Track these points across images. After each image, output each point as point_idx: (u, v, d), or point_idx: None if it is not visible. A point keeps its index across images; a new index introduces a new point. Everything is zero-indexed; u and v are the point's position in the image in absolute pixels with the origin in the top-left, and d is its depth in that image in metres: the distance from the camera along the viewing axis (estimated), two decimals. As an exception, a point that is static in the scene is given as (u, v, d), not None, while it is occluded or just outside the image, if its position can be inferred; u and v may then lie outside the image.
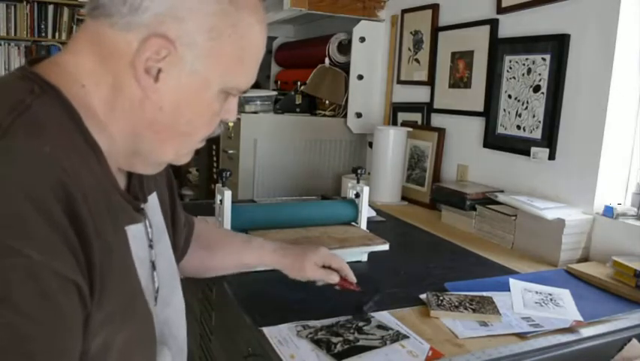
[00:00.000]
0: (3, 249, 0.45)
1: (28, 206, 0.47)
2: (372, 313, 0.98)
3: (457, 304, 1.03)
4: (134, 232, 0.64)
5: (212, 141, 2.71)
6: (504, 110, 1.70)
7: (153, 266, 0.69)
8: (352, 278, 1.03)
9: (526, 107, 1.61)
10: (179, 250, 0.90)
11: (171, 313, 0.74)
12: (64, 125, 0.55)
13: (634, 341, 0.99)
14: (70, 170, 0.51)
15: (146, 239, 0.68)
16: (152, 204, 0.74)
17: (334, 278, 1.01)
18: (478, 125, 1.82)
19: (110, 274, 0.55)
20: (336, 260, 1.03)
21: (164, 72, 0.58)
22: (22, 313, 0.45)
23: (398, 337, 0.89)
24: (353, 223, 1.36)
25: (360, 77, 2.33)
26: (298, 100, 2.40)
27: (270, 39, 3.18)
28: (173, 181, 0.86)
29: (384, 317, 0.97)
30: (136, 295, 0.62)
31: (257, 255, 1.02)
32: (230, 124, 2.29)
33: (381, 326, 0.93)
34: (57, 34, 3.85)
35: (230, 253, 1.02)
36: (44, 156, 0.50)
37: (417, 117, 2.14)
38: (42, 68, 0.59)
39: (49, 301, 0.46)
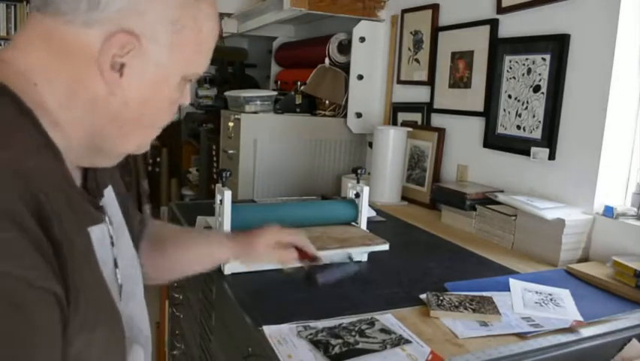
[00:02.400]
0: None
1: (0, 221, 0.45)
2: (377, 317, 0.98)
3: (457, 304, 1.03)
4: (97, 233, 0.61)
5: (213, 142, 2.71)
6: (504, 110, 1.70)
7: (115, 264, 0.67)
8: (311, 250, 1.00)
9: (526, 107, 1.61)
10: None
11: (135, 307, 0.73)
12: (20, 126, 0.53)
13: (634, 341, 0.99)
14: (33, 172, 0.50)
15: (108, 237, 0.66)
16: (109, 197, 0.72)
17: (290, 255, 0.99)
18: (478, 125, 1.82)
19: (80, 275, 0.53)
20: (287, 235, 1.01)
21: (128, 67, 0.58)
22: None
23: (400, 341, 0.89)
24: (353, 223, 1.36)
25: (360, 77, 2.33)
26: (298, 100, 2.40)
27: (270, 39, 3.19)
28: (129, 172, 0.85)
29: (387, 320, 0.97)
30: (105, 296, 0.60)
31: (210, 251, 1.01)
32: (231, 124, 2.29)
33: (384, 330, 0.93)
34: (57, 34, 3.85)
35: (194, 253, 1.00)
36: (6, 163, 0.48)
37: (417, 117, 2.14)
38: None
39: (25, 315, 0.45)
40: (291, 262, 1.00)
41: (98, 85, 0.58)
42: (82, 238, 0.57)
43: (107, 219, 0.66)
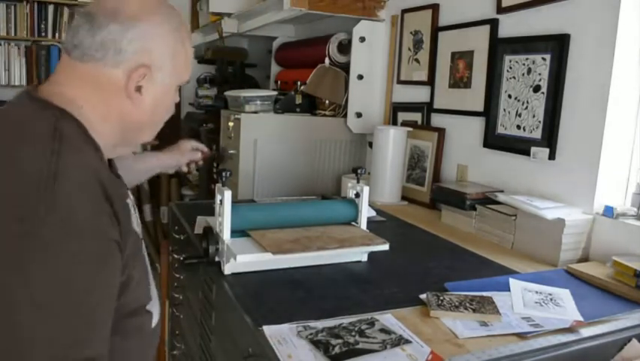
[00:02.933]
0: (65, 227, 0.69)
1: (89, 204, 0.72)
2: (377, 317, 0.98)
3: (457, 304, 1.03)
4: (131, 202, 0.87)
5: (213, 141, 2.71)
6: (504, 110, 1.70)
7: (137, 220, 0.93)
8: (203, 148, 1.59)
9: (526, 107, 1.61)
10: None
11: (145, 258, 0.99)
12: (83, 138, 0.78)
13: (634, 341, 0.99)
14: (100, 169, 0.77)
15: (133, 207, 0.90)
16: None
17: (198, 155, 1.56)
18: (478, 125, 1.82)
19: (126, 233, 0.79)
20: (197, 144, 1.58)
21: (145, 88, 0.85)
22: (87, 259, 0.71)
23: (400, 341, 0.89)
24: (353, 223, 1.36)
25: (360, 77, 2.33)
26: (298, 100, 2.40)
27: (270, 39, 3.18)
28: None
29: (387, 320, 0.97)
30: (137, 243, 0.86)
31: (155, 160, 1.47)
32: (231, 124, 2.29)
33: (384, 330, 0.93)
34: (57, 34, 3.85)
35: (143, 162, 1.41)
36: (85, 162, 0.75)
37: (417, 117, 2.14)
38: (47, 96, 0.80)
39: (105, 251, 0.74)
40: (198, 159, 1.57)
41: (124, 104, 0.84)
42: (125, 206, 0.82)
43: (129, 192, 0.92)
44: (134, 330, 0.87)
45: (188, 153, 1.54)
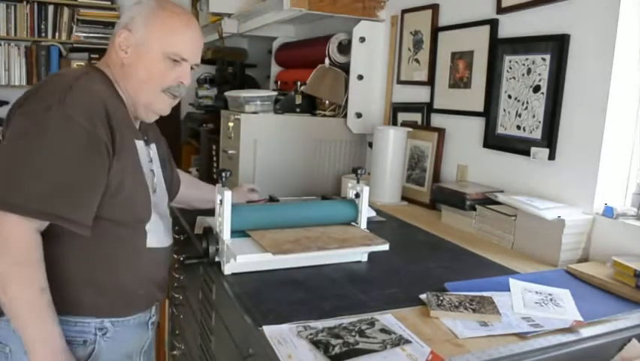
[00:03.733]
0: (69, 119, 1.00)
1: (89, 109, 1.03)
2: (377, 317, 0.98)
3: (457, 304, 1.03)
4: (140, 145, 1.17)
5: (213, 142, 2.71)
6: (504, 110, 1.70)
7: (153, 172, 1.21)
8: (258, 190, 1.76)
9: (526, 108, 1.61)
10: (173, 190, 1.42)
11: (162, 206, 1.25)
12: (104, 84, 1.13)
13: (634, 341, 0.99)
14: (107, 100, 1.08)
15: (147, 154, 1.20)
16: (153, 150, 1.26)
17: (256, 195, 1.72)
18: (478, 125, 1.82)
19: (122, 149, 1.08)
20: (250, 186, 1.77)
21: (130, 48, 1.14)
22: (73, 151, 1.01)
23: (400, 341, 0.89)
24: (353, 223, 1.36)
25: (360, 77, 2.33)
26: (298, 100, 2.40)
27: (270, 39, 3.18)
28: (169, 152, 1.40)
29: (387, 320, 0.97)
30: (136, 166, 1.14)
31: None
32: (231, 124, 2.29)
33: (384, 330, 0.93)
34: (57, 34, 3.85)
35: (207, 192, 1.54)
36: (95, 89, 1.08)
37: (417, 117, 2.14)
38: (98, 62, 1.20)
39: (91, 149, 1.03)
40: (255, 199, 1.70)
41: (122, 62, 1.15)
42: (129, 141, 1.12)
43: (147, 144, 1.23)
44: (123, 239, 1.12)
45: (245, 194, 1.69)
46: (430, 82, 2.05)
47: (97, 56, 3.73)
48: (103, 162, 1.03)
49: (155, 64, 1.13)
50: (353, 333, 0.90)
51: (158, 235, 1.18)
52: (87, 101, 1.03)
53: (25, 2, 3.75)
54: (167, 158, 1.36)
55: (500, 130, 1.71)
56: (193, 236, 1.44)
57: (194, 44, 1.17)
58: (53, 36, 3.84)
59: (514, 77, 1.66)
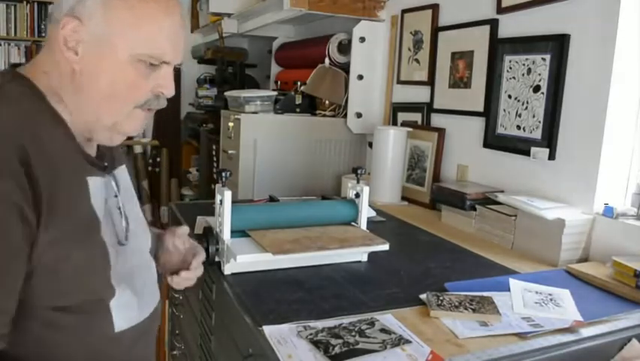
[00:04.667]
0: None
1: None
2: (377, 317, 0.98)
3: (457, 304, 1.03)
4: (96, 183, 0.81)
5: (213, 142, 2.71)
6: (504, 110, 1.70)
7: (120, 211, 0.87)
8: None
9: (526, 107, 1.61)
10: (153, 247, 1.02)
11: (141, 261, 0.91)
12: (31, 102, 0.76)
13: (634, 341, 0.99)
14: (28, 132, 0.72)
15: (112, 190, 0.86)
16: (121, 173, 0.93)
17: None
18: (478, 125, 1.82)
19: (57, 206, 0.72)
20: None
21: (81, 45, 0.76)
22: None
23: (400, 341, 0.89)
24: (353, 223, 1.36)
25: (360, 77, 2.33)
26: (298, 100, 2.40)
27: (270, 39, 3.18)
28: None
29: (387, 320, 0.97)
30: (90, 226, 0.78)
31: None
32: (231, 124, 2.29)
33: (384, 330, 0.93)
34: (57, 34, 3.85)
35: None
36: (4, 120, 0.71)
37: (417, 117, 2.14)
38: (24, 66, 0.82)
39: None
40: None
41: (66, 65, 0.77)
42: (76, 182, 0.78)
43: (111, 178, 0.86)
44: (76, 331, 0.77)
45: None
46: (430, 82, 2.05)
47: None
48: (17, 237, 0.68)
49: (122, 71, 0.77)
50: (353, 333, 0.90)
51: (129, 309, 0.83)
52: None
53: (25, 2, 3.75)
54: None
55: (500, 130, 1.71)
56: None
57: (177, 38, 0.80)
58: (53, 36, 3.84)
59: (514, 77, 1.66)
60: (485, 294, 1.08)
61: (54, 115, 0.77)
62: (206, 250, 1.20)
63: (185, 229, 1.10)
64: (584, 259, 1.39)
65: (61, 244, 0.73)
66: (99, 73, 0.77)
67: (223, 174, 1.18)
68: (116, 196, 0.86)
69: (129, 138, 1.06)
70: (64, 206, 0.73)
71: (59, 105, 0.78)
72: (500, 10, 1.71)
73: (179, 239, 1.08)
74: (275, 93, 2.40)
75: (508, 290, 1.13)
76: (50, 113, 0.77)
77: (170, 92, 0.82)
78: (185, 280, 1.04)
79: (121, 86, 0.78)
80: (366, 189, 1.33)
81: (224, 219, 1.18)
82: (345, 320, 0.95)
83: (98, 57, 0.76)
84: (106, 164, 0.86)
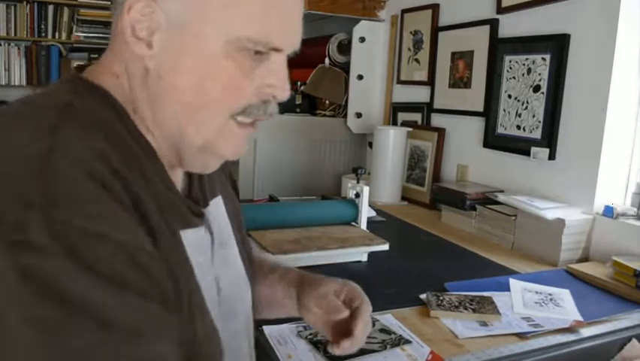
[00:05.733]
0: (93, 236, 0.42)
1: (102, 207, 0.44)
2: (377, 317, 0.98)
3: (457, 304, 1.03)
4: (190, 237, 0.57)
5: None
6: (504, 110, 1.70)
7: (214, 272, 0.63)
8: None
9: (526, 107, 1.61)
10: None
11: (237, 325, 0.67)
12: (112, 121, 0.52)
13: (634, 341, 0.99)
14: (122, 163, 0.49)
15: (206, 244, 0.62)
16: (216, 207, 0.67)
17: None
18: (478, 125, 1.82)
19: (170, 254, 0.53)
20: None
21: (156, 34, 0.52)
22: (136, 291, 0.43)
23: (400, 341, 0.89)
24: (353, 223, 1.36)
25: (360, 77, 2.33)
26: (298, 100, 2.40)
27: (270, 39, 3.18)
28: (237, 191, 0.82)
29: (387, 320, 0.97)
30: (192, 292, 0.55)
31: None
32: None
33: (384, 330, 0.93)
34: (57, 34, 3.85)
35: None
36: (96, 151, 0.47)
37: (417, 117, 2.14)
38: (91, 70, 0.58)
39: (149, 274, 0.45)
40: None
41: (136, 64, 0.54)
42: (171, 237, 0.54)
43: (206, 227, 0.62)
44: None
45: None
46: (430, 82, 2.05)
47: (97, 55, 3.72)
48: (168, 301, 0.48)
49: (214, 66, 0.53)
50: (353, 333, 0.90)
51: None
52: (86, 193, 0.44)
53: (25, 2, 3.75)
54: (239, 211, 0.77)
55: (500, 130, 1.71)
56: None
57: (289, 15, 0.59)
58: (53, 36, 3.84)
59: (514, 77, 1.66)
60: (485, 294, 1.08)
61: (137, 135, 0.54)
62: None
63: (326, 290, 0.74)
64: (584, 259, 1.39)
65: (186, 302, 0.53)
66: (182, 71, 0.53)
67: (223, 174, 1.18)
68: (212, 253, 0.63)
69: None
70: (173, 251, 0.54)
71: (139, 120, 0.55)
72: (500, 10, 1.71)
73: (322, 301, 0.73)
74: (275, 93, 2.40)
75: (508, 290, 1.13)
76: (132, 133, 0.54)
77: (285, 92, 0.59)
78: (349, 348, 0.70)
79: (213, 87, 0.53)
80: (366, 189, 1.33)
81: (224, 219, 1.17)
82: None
83: (179, 48, 0.52)
84: (202, 210, 0.62)
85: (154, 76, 0.54)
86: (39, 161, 0.43)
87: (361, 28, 2.29)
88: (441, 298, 1.05)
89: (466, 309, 1.01)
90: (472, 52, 1.84)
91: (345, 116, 2.37)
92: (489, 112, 1.75)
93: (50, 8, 3.84)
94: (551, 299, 1.09)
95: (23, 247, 0.39)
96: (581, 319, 1.00)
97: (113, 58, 0.56)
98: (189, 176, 0.63)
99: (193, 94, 0.54)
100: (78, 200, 0.43)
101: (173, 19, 0.52)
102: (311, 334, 0.89)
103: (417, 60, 2.14)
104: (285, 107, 2.38)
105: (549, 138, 1.52)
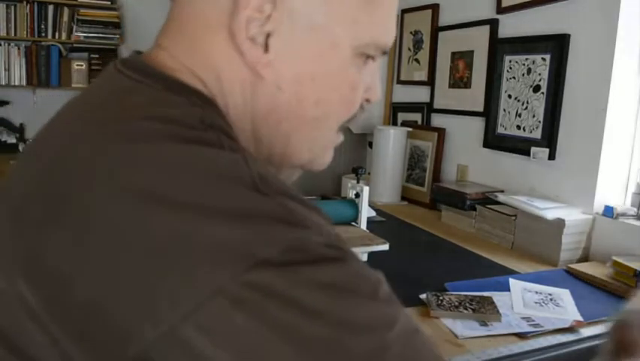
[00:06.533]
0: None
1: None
2: None
3: (457, 304, 1.03)
4: None
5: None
6: (504, 110, 1.70)
7: None
8: None
9: (526, 107, 1.61)
10: None
11: None
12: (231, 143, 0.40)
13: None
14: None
15: None
16: None
17: None
18: (478, 125, 1.82)
19: None
20: None
21: (275, 36, 0.42)
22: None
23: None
24: (353, 223, 1.36)
25: (360, 77, 2.33)
26: (298, 100, 2.40)
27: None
28: None
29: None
30: None
31: None
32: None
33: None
34: (57, 34, 3.85)
35: None
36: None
37: (417, 117, 2.14)
38: (161, 67, 0.44)
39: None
40: None
41: (239, 70, 0.43)
42: None
43: None
44: None
45: None
46: (430, 82, 2.05)
47: (97, 56, 3.73)
48: None
49: (343, 75, 0.46)
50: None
51: None
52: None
53: (25, 2, 3.75)
54: None
55: (500, 130, 1.71)
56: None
57: (394, 17, 0.51)
58: (53, 36, 3.84)
59: (514, 77, 1.66)
60: (485, 294, 1.08)
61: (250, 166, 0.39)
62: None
63: None
64: (584, 259, 1.39)
65: None
66: (308, 80, 0.45)
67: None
68: None
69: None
70: None
71: (242, 135, 0.45)
72: (500, 10, 1.71)
73: None
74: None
75: (508, 290, 1.13)
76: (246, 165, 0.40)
77: (379, 93, 0.52)
78: None
79: (335, 98, 0.47)
80: (366, 189, 1.33)
81: (225, 219, 1.17)
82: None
83: (306, 54, 0.44)
84: None
85: (270, 86, 0.44)
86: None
87: (361, 28, 2.28)
88: (441, 298, 1.05)
89: (466, 309, 1.01)
90: (472, 52, 1.84)
91: (345, 116, 2.37)
92: (489, 112, 1.75)
93: (50, 8, 3.84)
94: (551, 299, 1.09)
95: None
96: (581, 319, 1.00)
97: (192, 60, 0.44)
98: None
99: (318, 107, 0.46)
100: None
101: (299, 19, 0.43)
102: None
103: (417, 60, 2.14)
104: (285, 107, 2.38)
105: (549, 138, 1.52)
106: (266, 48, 0.43)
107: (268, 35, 0.42)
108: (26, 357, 0.35)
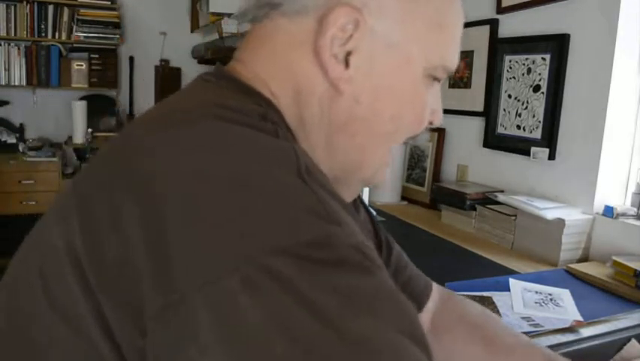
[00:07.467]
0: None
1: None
2: None
3: (457, 304, 1.02)
4: None
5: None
6: (504, 110, 1.70)
7: None
8: None
9: (526, 107, 1.61)
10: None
11: None
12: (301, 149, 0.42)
13: (633, 341, 0.99)
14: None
15: None
16: None
17: None
18: (478, 125, 1.82)
19: None
20: None
21: (355, 54, 0.45)
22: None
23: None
24: (353, 223, 1.36)
25: (360, 77, 2.33)
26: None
27: (270, 39, 3.18)
28: (372, 215, 0.74)
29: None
30: None
31: None
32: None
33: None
34: (57, 34, 3.85)
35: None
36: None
37: (417, 117, 2.14)
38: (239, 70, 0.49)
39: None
40: None
41: (319, 85, 0.46)
42: None
43: None
44: None
45: None
46: (430, 82, 2.05)
47: (97, 55, 3.73)
48: None
49: (415, 94, 0.50)
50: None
51: None
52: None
53: (25, 2, 3.75)
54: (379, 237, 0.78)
55: (500, 130, 1.71)
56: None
57: (459, 42, 0.56)
58: (53, 36, 3.84)
59: (514, 77, 1.66)
60: (485, 294, 1.08)
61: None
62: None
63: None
64: (584, 259, 1.39)
65: None
66: (386, 96, 0.48)
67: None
68: None
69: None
70: None
71: (305, 147, 0.45)
72: (500, 10, 1.71)
73: None
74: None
75: (508, 290, 1.13)
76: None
77: (441, 116, 0.57)
78: None
79: (408, 116, 0.50)
80: (365, 189, 1.33)
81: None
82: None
83: (384, 70, 0.47)
84: None
85: (348, 99, 0.47)
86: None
87: (361, 28, 2.28)
88: (441, 298, 1.05)
89: (466, 309, 1.01)
90: (472, 52, 1.84)
91: (345, 116, 2.37)
92: (489, 112, 1.75)
93: (50, 8, 3.84)
94: (551, 299, 1.09)
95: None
96: (581, 319, 1.00)
97: (268, 73, 0.47)
98: None
99: (392, 121, 0.49)
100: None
101: (377, 38, 0.46)
102: None
103: (417, 60, 2.14)
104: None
105: (549, 138, 1.52)
106: (346, 64, 0.46)
107: (349, 53, 0.45)
108: (61, 311, 0.37)
